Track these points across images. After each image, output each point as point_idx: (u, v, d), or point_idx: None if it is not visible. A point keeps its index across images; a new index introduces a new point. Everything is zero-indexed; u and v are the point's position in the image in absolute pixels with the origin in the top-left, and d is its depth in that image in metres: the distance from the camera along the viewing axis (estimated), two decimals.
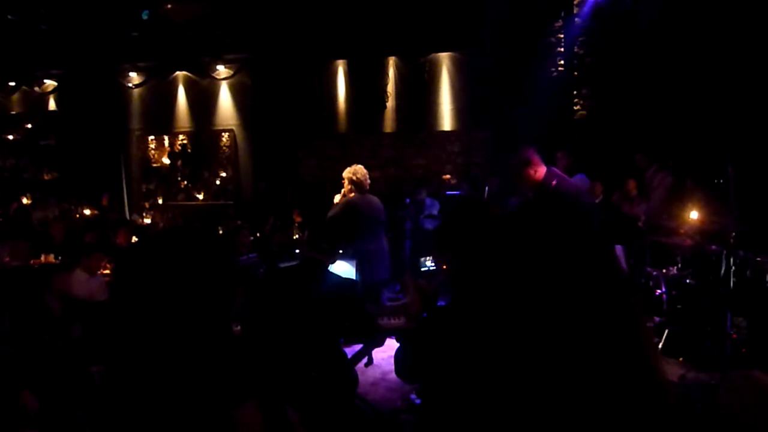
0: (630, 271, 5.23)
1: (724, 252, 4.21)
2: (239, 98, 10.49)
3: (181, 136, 10.95)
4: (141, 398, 0.88)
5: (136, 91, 10.95)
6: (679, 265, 4.84)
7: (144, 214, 9.99)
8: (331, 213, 4.80)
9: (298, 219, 7.99)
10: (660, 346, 4.49)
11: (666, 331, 4.57)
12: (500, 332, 0.62)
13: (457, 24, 8.62)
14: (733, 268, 4.12)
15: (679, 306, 4.73)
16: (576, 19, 8.12)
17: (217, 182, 10.87)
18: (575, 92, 8.29)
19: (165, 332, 0.91)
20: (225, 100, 10.59)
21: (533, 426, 0.59)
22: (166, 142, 11.08)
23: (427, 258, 3.96)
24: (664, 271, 4.82)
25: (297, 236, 7.28)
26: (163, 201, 11.04)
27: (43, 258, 5.44)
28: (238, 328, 3.20)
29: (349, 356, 3.43)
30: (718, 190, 4.70)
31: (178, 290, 0.93)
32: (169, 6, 8.27)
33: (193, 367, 0.90)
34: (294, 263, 3.72)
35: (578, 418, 0.59)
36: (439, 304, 1.94)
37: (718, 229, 4.50)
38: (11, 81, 11.31)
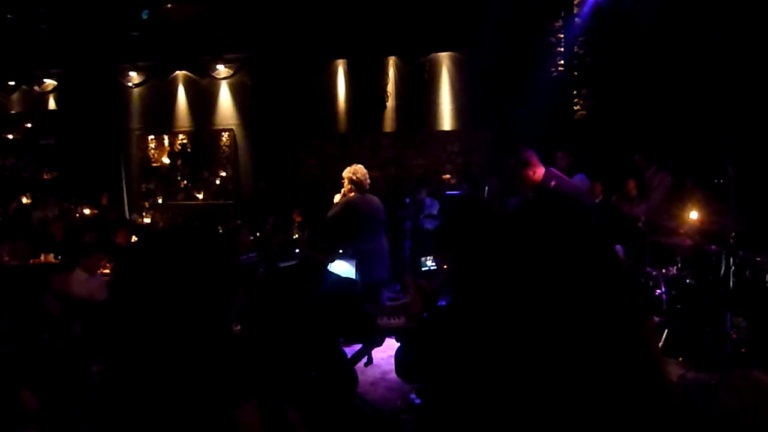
0: (630, 271, 5.23)
1: (724, 252, 4.21)
2: (239, 98, 10.49)
3: (181, 136, 10.95)
4: (141, 398, 0.88)
5: (136, 90, 10.95)
6: (679, 265, 4.84)
7: (144, 214, 10.00)
8: (331, 213, 4.80)
9: (298, 219, 7.99)
10: (660, 346, 4.49)
11: (666, 331, 4.57)
12: (501, 332, 0.62)
13: (457, 24, 8.62)
14: (733, 268, 4.12)
15: (678, 306, 4.73)
16: (576, 19, 8.12)
17: (217, 182, 10.87)
18: (575, 92, 8.29)
19: (165, 332, 0.91)
20: (225, 100, 10.59)
21: (535, 426, 0.59)
22: (166, 142, 11.08)
23: (428, 258, 3.96)
24: (663, 271, 4.82)
25: (297, 236, 7.28)
26: (162, 200, 11.04)
27: (42, 257, 5.44)
28: (238, 327, 3.20)
29: (349, 356, 3.43)
30: (718, 190, 4.70)
31: (178, 290, 0.93)
32: (169, 5, 8.27)
33: (193, 366, 0.90)
34: (293, 263, 3.72)
35: (580, 418, 0.59)
36: (439, 303, 1.94)
37: (717, 229, 4.50)
38: (11, 80, 11.31)
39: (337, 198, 4.95)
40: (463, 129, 9.70)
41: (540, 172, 3.61)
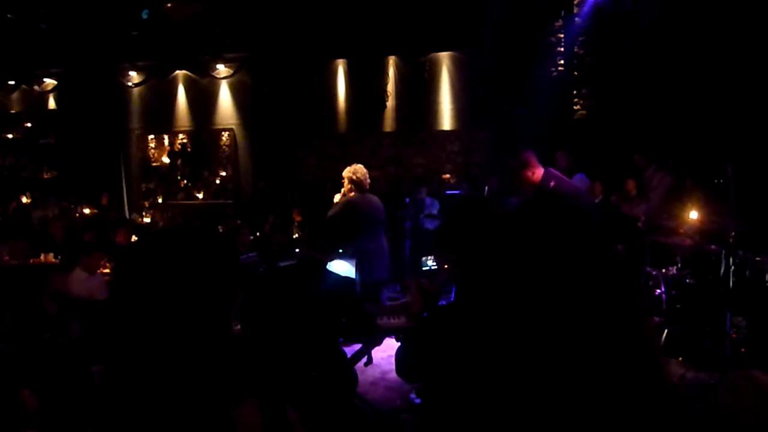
0: (630, 270, 5.22)
1: (724, 252, 4.21)
2: (239, 97, 10.49)
3: (180, 135, 10.95)
4: (141, 398, 0.88)
5: (135, 90, 10.95)
6: (679, 265, 4.84)
7: (144, 213, 9.99)
8: (331, 212, 4.80)
9: (298, 218, 7.98)
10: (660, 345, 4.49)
11: (665, 331, 4.57)
12: (503, 331, 0.62)
13: (457, 24, 8.62)
14: (733, 267, 4.12)
15: (678, 306, 4.73)
16: (576, 19, 8.12)
17: (217, 181, 10.87)
18: (575, 92, 8.30)
19: (165, 331, 0.91)
20: (225, 100, 10.59)
21: (536, 425, 0.59)
22: (166, 141, 11.08)
23: (429, 257, 3.96)
24: (663, 270, 4.82)
25: (297, 235, 7.28)
26: (162, 200, 11.04)
27: (42, 257, 5.43)
28: (238, 327, 3.20)
29: (349, 356, 3.43)
30: (718, 190, 4.71)
31: (178, 289, 0.93)
32: (168, 5, 8.27)
33: (193, 366, 0.90)
34: (292, 262, 3.72)
35: (581, 417, 0.59)
36: (440, 303, 1.94)
37: (717, 228, 4.50)
38: (11, 80, 11.31)
39: (337, 198, 4.96)
40: (463, 129, 9.70)
41: (539, 172, 3.61)
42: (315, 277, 2.99)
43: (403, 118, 9.79)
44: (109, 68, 10.68)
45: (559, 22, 8.37)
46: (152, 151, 11.16)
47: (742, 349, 4.07)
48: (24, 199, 9.39)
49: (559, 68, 8.42)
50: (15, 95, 11.61)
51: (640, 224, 5.38)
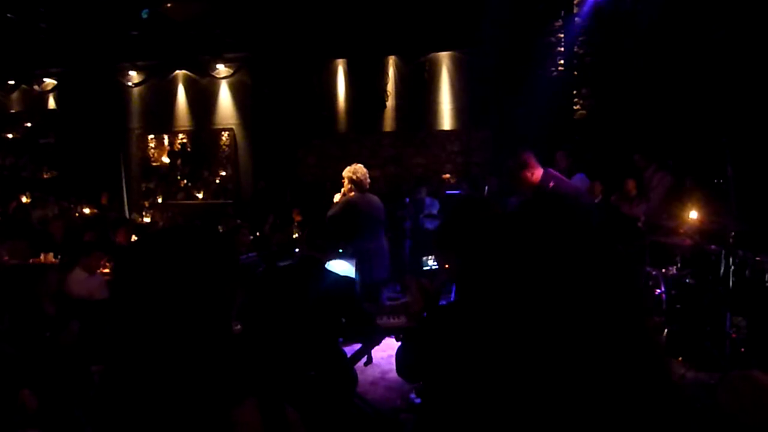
0: (631, 270, 5.22)
1: (724, 252, 4.21)
2: (239, 97, 10.49)
3: (180, 135, 10.94)
4: (141, 397, 0.88)
5: (135, 89, 10.95)
6: (679, 265, 4.84)
7: (144, 213, 9.99)
8: (331, 212, 4.80)
9: (298, 218, 7.98)
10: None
11: (666, 331, 4.57)
12: (504, 331, 0.62)
13: (457, 23, 8.62)
14: (733, 267, 4.12)
15: (678, 306, 4.73)
16: (576, 19, 8.12)
17: (217, 181, 10.87)
18: (575, 92, 8.30)
19: (165, 331, 0.91)
20: (225, 99, 10.59)
21: (536, 425, 0.59)
22: (166, 141, 11.08)
23: (429, 257, 3.96)
24: (663, 270, 4.82)
25: (296, 235, 7.28)
26: (162, 200, 11.04)
27: (42, 257, 5.43)
28: (239, 327, 3.20)
29: (349, 355, 3.43)
30: (718, 190, 4.70)
31: (178, 289, 0.93)
32: (168, 5, 8.26)
33: (193, 365, 0.90)
34: (292, 262, 3.72)
35: (582, 416, 0.59)
36: (440, 303, 1.94)
37: (717, 228, 4.51)
38: (11, 79, 11.30)
39: (337, 197, 4.96)
40: (463, 129, 9.69)
41: (538, 173, 3.61)
42: (315, 277, 2.99)
43: (403, 118, 9.79)
44: (109, 68, 10.67)
45: (559, 22, 8.37)
46: (152, 150, 11.15)
47: (742, 349, 4.07)
48: (24, 199, 9.39)
49: (559, 68, 8.42)
50: (15, 95, 11.61)
51: (640, 224, 5.38)
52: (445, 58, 9.59)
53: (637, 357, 0.62)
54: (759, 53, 5.68)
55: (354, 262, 4.00)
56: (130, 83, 10.86)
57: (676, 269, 4.82)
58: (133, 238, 6.28)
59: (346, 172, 4.84)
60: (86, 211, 8.95)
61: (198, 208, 10.54)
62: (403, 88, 9.71)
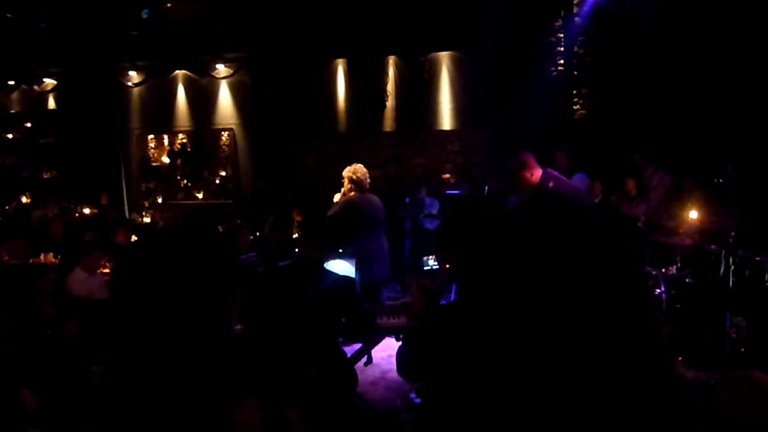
0: (633, 270, 5.22)
1: (724, 251, 4.22)
2: (239, 97, 10.49)
3: (180, 135, 10.94)
4: (141, 397, 0.88)
5: (135, 89, 10.94)
6: (679, 265, 4.84)
7: (143, 213, 10.00)
8: (330, 212, 4.80)
9: (298, 218, 7.98)
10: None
11: (666, 331, 4.57)
12: (504, 330, 0.62)
13: (457, 23, 8.62)
14: (733, 267, 4.12)
15: (678, 305, 4.73)
16: (576, 19, 8.12)
17: (217, 181, 10.87)
18: (575, 92, 8.30)
19: (165, 331, 0.91)
20: (225, 99, 10.59)
21: (536, 424, 0.59)
22: (166, 141, 11.07)
23: (429, 257, 3.96)
24: (663, 270, 4.82)
25: (296, 235, 7.27)
26: (162, 200, 11.04)
27: (42, 257, 5.43)
28: (239, 327, 3.20)
29: (349, 355, 3.43)
30: (718, 189, 4.71)
31: (178, 289, 0.93)
32: (168, 5, 8.26)
33: (193, 365, 0.90)
34: (291, 262, 3.71)
35: (582, 416, 0.59)
36: (440, 303, 1.94)
37: (717, 228, 4.51)
38: (11, 79, 11.30)
39: (337, 197, 4.96)
40: (463, 129, 9.69)
41: (537, 173, 3.61)
42: (315, 277, 2.99)
43: (403, 118, 9.79)
44: (109, 68, 10.67)
45: (559, 22, 8.37)
46: (152, 150, 11.15)
47: (742, 349, 4.08)
48: (24, 199, 9.40)
49: (559, 68, 8.42)
50: (15, 95, 11.60)
51: (640, 224, 5.38)
52: (445, 58, 9.59)
53: (639, 356, 0.62)
54: (759, 53, 5.68)
55: (354, 262, 4.00)
56: (130, 83, 10.86)
57: (676, 269, 4.82)
58: (133, 238, 6.28)
59: (346, 172, 4.84)
60: (86, 211, 8.95)
61: (198, 208, 10.54)
62: (403, 88, 9.71)
